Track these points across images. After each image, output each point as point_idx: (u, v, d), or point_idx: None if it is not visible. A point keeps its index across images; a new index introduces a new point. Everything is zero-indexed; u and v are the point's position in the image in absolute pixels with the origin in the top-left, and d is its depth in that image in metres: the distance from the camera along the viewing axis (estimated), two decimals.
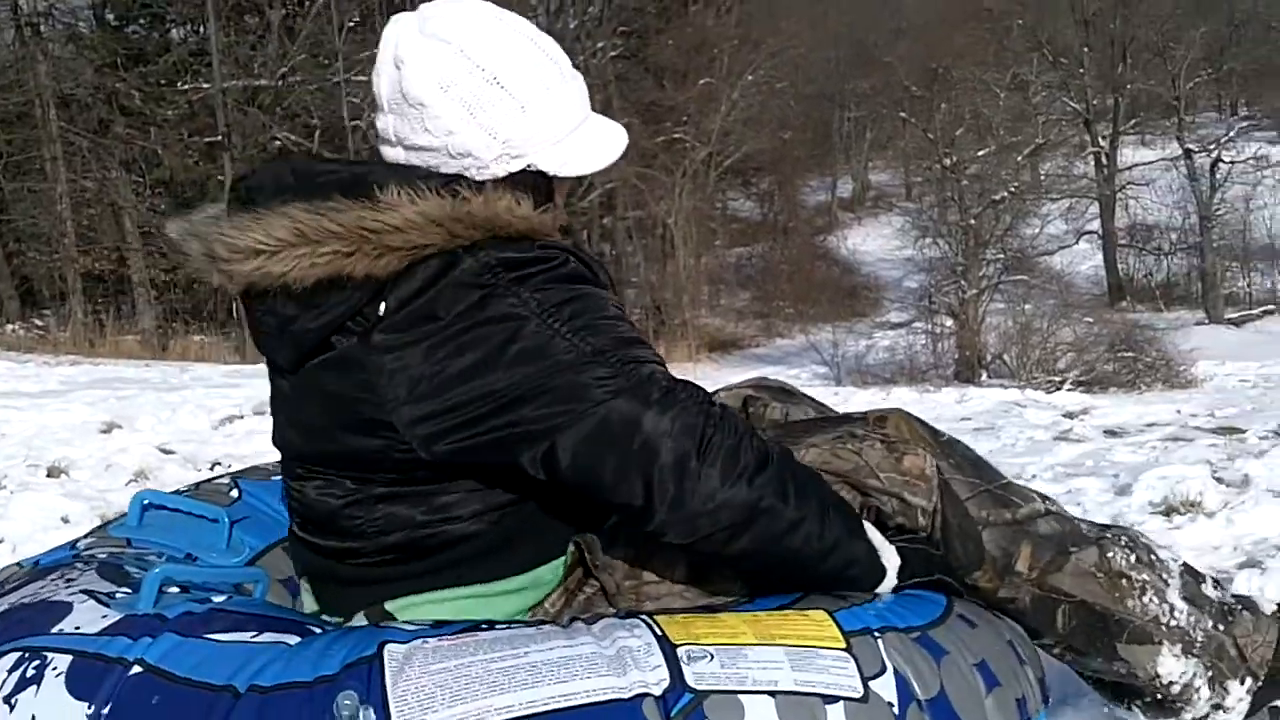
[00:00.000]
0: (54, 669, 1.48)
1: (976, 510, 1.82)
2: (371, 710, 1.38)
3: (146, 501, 1.96)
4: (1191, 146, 30.74)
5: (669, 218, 25.61)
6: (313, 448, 1.70)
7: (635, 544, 1.72)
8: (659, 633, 1.49)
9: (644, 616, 1.54)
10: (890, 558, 1.68)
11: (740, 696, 1.42)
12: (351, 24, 21.53)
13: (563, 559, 1.76)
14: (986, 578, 1.80)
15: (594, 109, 1.80)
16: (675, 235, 25.78)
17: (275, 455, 1.85)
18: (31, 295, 21.24)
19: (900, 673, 1.51)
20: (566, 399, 1.53)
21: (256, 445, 5.61)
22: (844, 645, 1.51)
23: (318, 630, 1.58)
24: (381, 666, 1.43)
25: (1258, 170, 30.46)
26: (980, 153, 27.33)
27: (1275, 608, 1.94)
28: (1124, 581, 1.84)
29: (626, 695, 1.40)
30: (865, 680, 1.48)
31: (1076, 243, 30.21)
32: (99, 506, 4.22)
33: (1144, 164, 31.57)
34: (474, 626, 1.54)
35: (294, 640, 1.53)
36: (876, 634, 1.55)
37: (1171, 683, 1.83)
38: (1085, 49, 31.55)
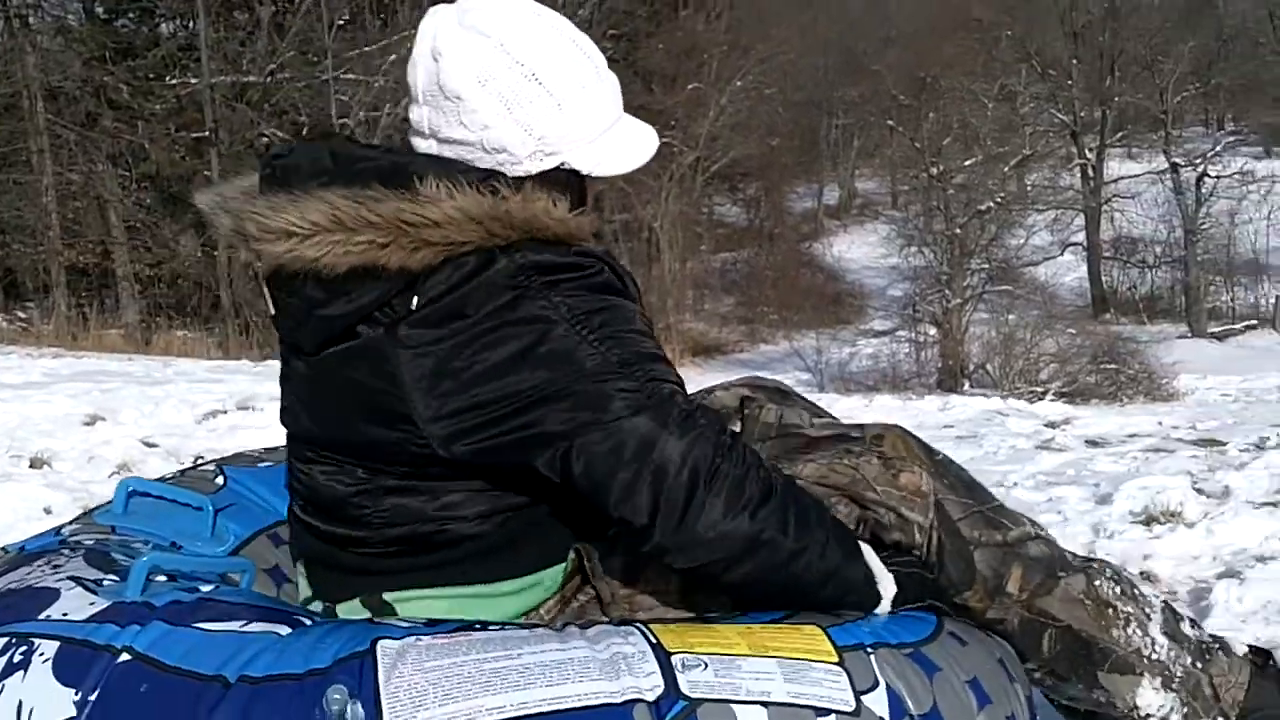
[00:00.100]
0: (41, 655, 1.48)
1: (968, 531, 1.83)
2: (360, 705, 1.38)
3: (131, 489, 1.95)
4: (1178, 160, 30.90)
5: (655, 222, 25.63)
6: (326, 433, 1.69)
7: (633, 554, 1.72)
8: (653, 640, 1.49)
9: (638, 624, 1.55)
10: (887, 586, 1.68)
11: (733, 706, 1.42)
12: (341, 22, 21.51)
13: (563, 565, 1.76)
14: (977, 597, 1.81)
15: None
16: (661, 239, 25.80)
17: (258, 445, 1.84)
18: (15, 287, 21.13)
19: (893, 688, 1.51)
20: (588, 406, 1.53)
21: (240, 440, 5.60)
22: (837, 659, 1.52)
23: (308, 621, 1.58)
24: (374, 662, 1.43)
25: (1243, 185, 30.63)
26: (967, 162, 27.43)
27: (1247, 649, 1.95)
28: (1110, 611, 1.86)
29: (618, 700, 1.40)
30: (858, 694, 1.48)
31: (1061, 254, 30.34)
32: (81, 498, 4.21)
33: (1130, 177, 31.72)
34: (468, 626, 1.54)
35: (285, 631, 1.52)
36: (869, 649, 1.55)
37: (1149, 715, 1.84)
38: (1074, 61, 31.69)
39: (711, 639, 1.51)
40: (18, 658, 1.48)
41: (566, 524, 1.72)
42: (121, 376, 9.83)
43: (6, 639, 1.51)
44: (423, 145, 1.68)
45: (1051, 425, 6.69)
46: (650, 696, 1.41)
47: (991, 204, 26.77)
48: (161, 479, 2.10)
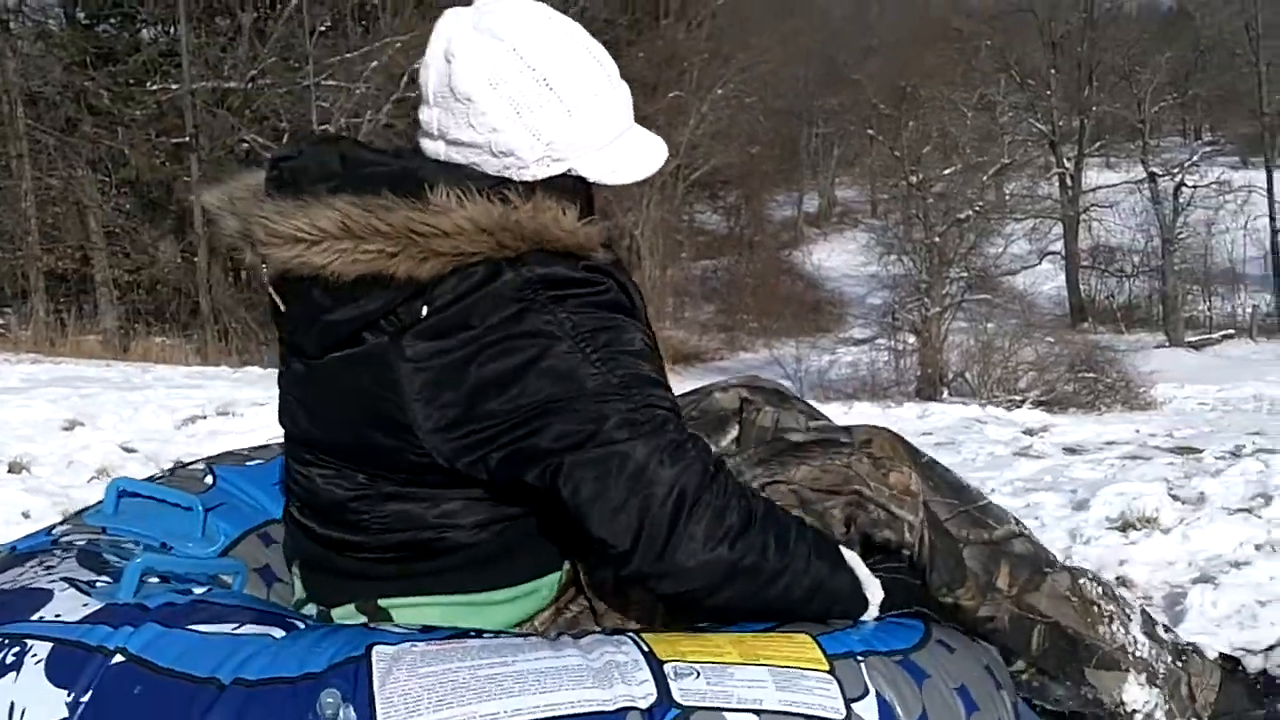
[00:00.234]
0: (34, 656, 1.48)
1: (956, 530, 1.86)
2: (353, 710, 1.39)
3: (121, 489, 1.95)
4: (1155, 170, 31.13)
5: (636, 229, 25.66)
6: (327, 437, 1.69)
7: None
8: (646, 649, 1.50)
9: (631, 633, 1.55)
10: (874, 591, 1.69)
11: (725, 714, 1.43)
12: (323, 28, 21.45)
13: (558, 575, 1.76)
14: (969, 595, 1.85)
15: None
16: (642, 246, 25.83)
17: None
18: None
19: (883, 695, 1.52)
20: (584, 426, 1.53)
21: (219, 445, 5.57)
22: (828, 667, 1.53)
23: (302, 625, 1.58)
24: (369, 667, 1.43)
25: (1220, 195, 30.88)
26: (946, 171, 27.57)
27: (1218, 655, 2.00)
28: (1095, 608, 1.90)
29: (610, 708, 1.41)
30: (848, 702, 1.49)
31: (1039, 263, 30.50)
32: (61, 503, 4.20)
33: (1108, 186, 31.94)
34: (462, 634, 1.55)
35: (279, 634, 1.53)
36: (859, 657, 1.56)
37: (1135, 711, 1.88)
38: (1052, 71, 31.90)
39: (703, 647, 1.52)
40: (10, 659, 1.48)
41: (562, 535, 1.72)
42: (100, 382, 9.78)
43: None
44: (431, 147, 1.67)
45: (1029, 433, 6.74)
46: (643, 704, 1.42)
47: (970, 213, 26.91)
48: (151, 479, 2.10)
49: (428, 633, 1.55)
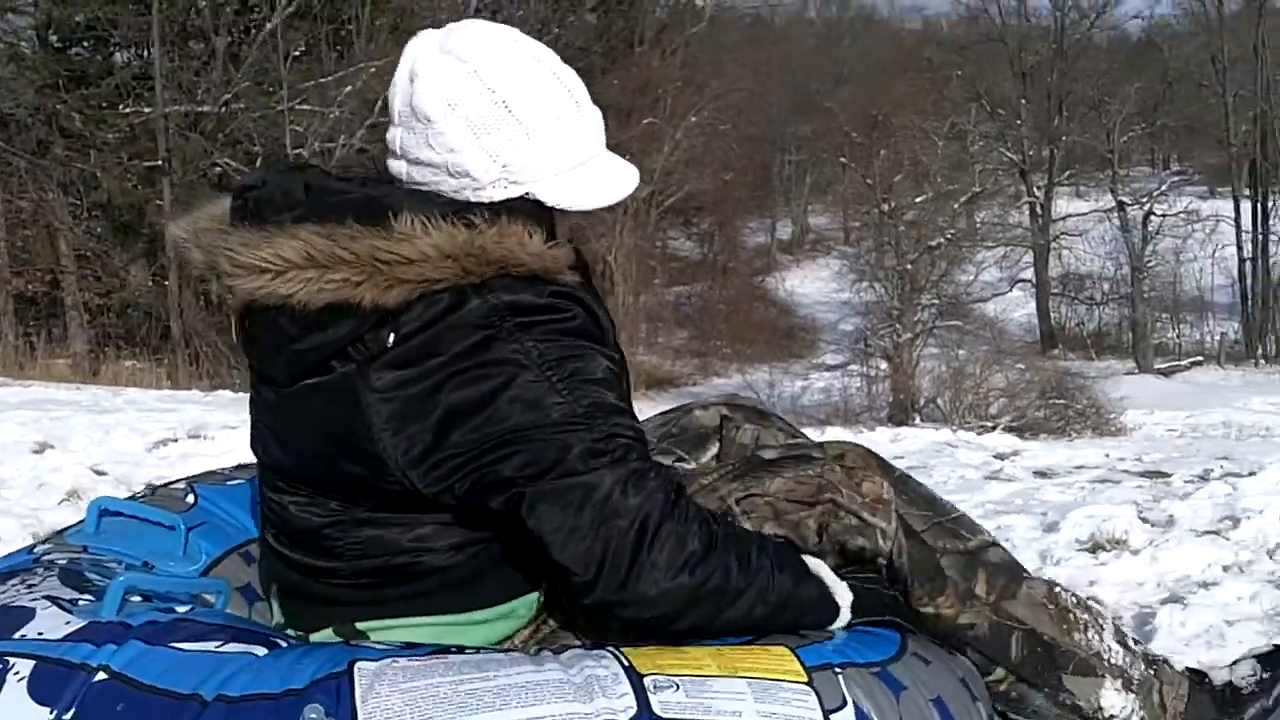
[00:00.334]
0: (16, 674, 1.48)
1: (933, 541, 1.89)
2: None
3: (103, 508, 1.96)
4: (1124, 199, 31.46)
5: (609, 254, 25.70)
6: (298, 466, 1.69)
7: None
8: (626, 663, 1.51)
9: (611, 648, 1.56)
10: (843, 594, 1.71)
11: None
12: (297, 53, 21.43)
13: (536, 595, 1.76)
14: (949, 603, 1.87)
15: None
16: (615, 272, 25.86)
17: None
18: None
19: (860, 707, 1.54)
20: (547, 455, 1.54)
21: (191, 468, 5.54)
22: (806, 679, 1.54)
23: (284, 644, 1.59)
24: (351, 683, 1.44)
25: (1188, 224, 31.22)
26: (918, 199, 27.76)
27: (1186, 669, 2.03)
28: (1070, 616, 1.93)
29: None
30: (826, 713, 1.51)
31: (1010, 290, 30.75)
32: (30, 525, 4.17)
33: (1078, 215, 32.24)
34: (444, 649, 1.56)
35: (261, 652, 1.54)
36: (837, 669, 1.58)
37: (1112, 716, 1.90)
38: (1023, 101, 32.24)
39: (682, 660, 1.54)
40: None
41: (539, 556, 1.70)
42: (70, 405, 9.71)
43: None
44: (396, 166, 1.68)
45: (1000, 457, 6.77)
46: (624, 717, 1.43)
47: (942, 240, 27.12)
48: (132, 498, 2.10)
49: (410, 649, 1.56)
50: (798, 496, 1.81)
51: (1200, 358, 29.53)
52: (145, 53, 21.08)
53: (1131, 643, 1.99)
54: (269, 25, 20.47)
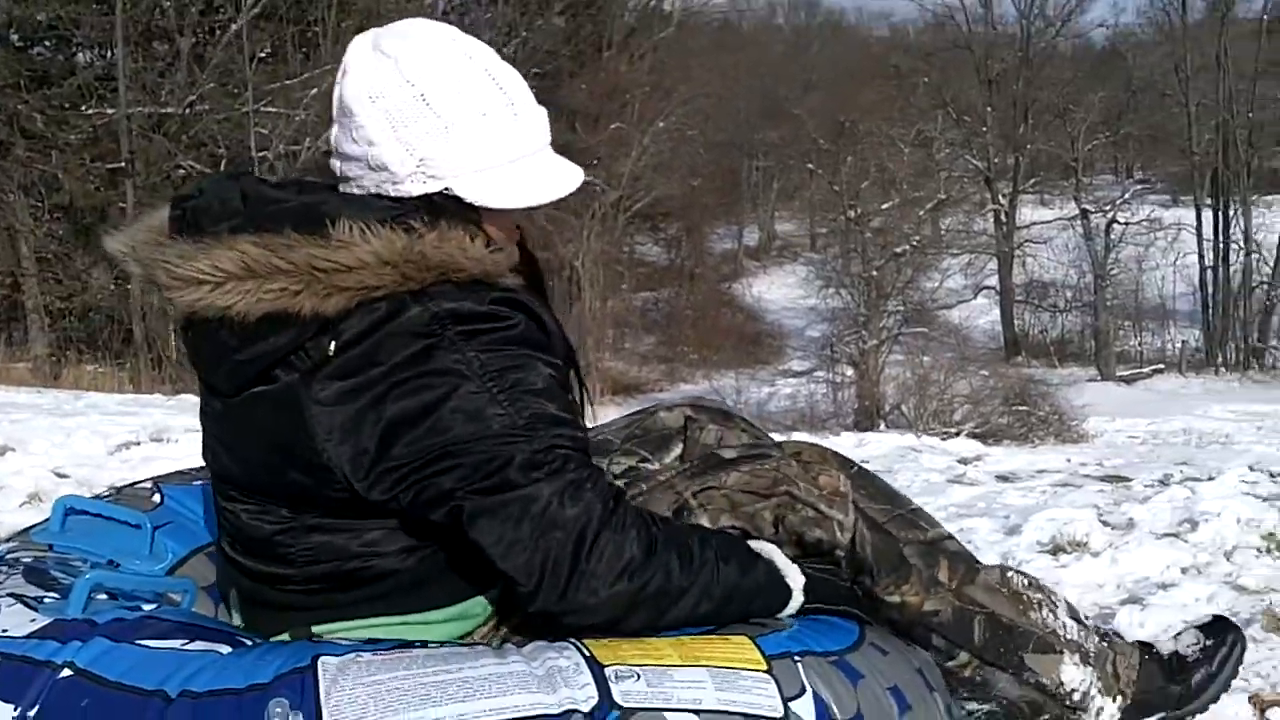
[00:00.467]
0: None
1: (895, 532, 1.93)
2: (301, 716, 1.40)
3: (69, 506, 1.95)
4: (1088, 207, 31.74)
5: (576, 260, 25.72)
6: (246, 475, 1.69)
7: None
8: (587, 654, 1.53)
9: (572, 640, 1.57)
10: (794, 577, 1.73)
11: (666, 714, 1.47)
12: (263, 55, 21.36)
13: (492, 593, 1.75)
14: (914, 591, 1.90)
15: None
16: (582, 277, 25.89)
17: None
18: None
19: (819, 694, 1.56)
20: (486, 467, 1.53)
21: (153, 470, 5.49)
22: (765, 667, 1.56)
23: (249, 642, 1.59)
24: (315, 677, 1.44)
25: (1151, 232, 31.50)
26: (884, 206, 27.95)
27: (1135, 641, 2.10)
28: (1024, 597, 1.98)
29: (556, 711, 1.44)
30: (785, 701, 1.53)
31: (975, 297, 30.95)
32: None
33: (1042, 223, 32.49)
34: (407, 644, 1.57)
35: (226, 649, 1.54)
36: (797, 657, 1.60)
37: (1073, 690, 1.96)
38: (988, 109, 32.47)
39: (643, 651, 1.55)
40: None
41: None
42: (31, 408, 9.64)
43: None
44: (334, 164, 1.68)
45: (963, 461, 6.81)
46: (585, 708, 1.44)
47: (907, 247, 27.30)
48: (98, 497, 2.09)
49: (373, 644, 1.57)
50: (753, 488, 1.83)
51: (1162, 365, 29.82)
52: (108, 53, 20.92)
53: (1083, 617, 2.05)
54: (234, 26, 20.39)
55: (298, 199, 1.62)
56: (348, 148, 1.65)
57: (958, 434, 14.72)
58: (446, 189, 1.64)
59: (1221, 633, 2.09)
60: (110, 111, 19.95)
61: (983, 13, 34.31)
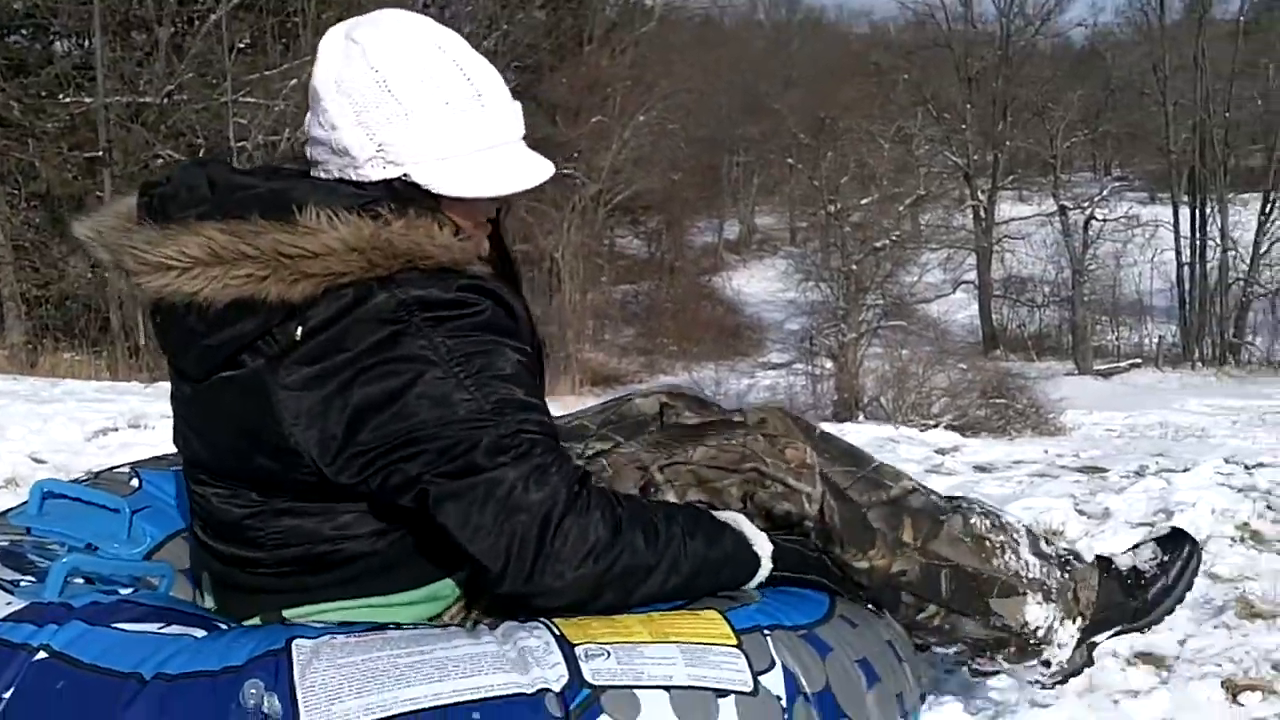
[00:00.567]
0: None
1: (858, 496, 1.94)
2: (276, 697, 1.41)
3: (47, 490, 1.95)
4: (1066, 204, 31.92)
5: (556, 252, 25.71)
6: (215, 459, 1.69)
7: None
8: (557, 633, 1.53)
9: (543, 620, 1.58)
10: (762, 545, 1.74)
11: (636, 691, 1.47)
12: (242, 45, 21.24)
13: (461, 574, 1.75)
14: (880, 555, 1.91)
15: None
16: (562, 270, 25.88)
17: None
18: None
19: (788, 668, 1.58)
20: (452, 452, 1.54)
21: (131, 456, 5.47)
22: (735, 642, 1.57)
23: (224, 626, 1.60)
24: (289, 659, 1.45)
25: (1128, 229, 31.71)
26: (863, 201, 28.02)
27: (1095, 558, 2.13)
28: (986, 543, 1.99)
29: (529, 690, 1.44)
30: (755, 675, 1.54)
31: (953, 292, 31.10)
32: None
33: (1020, 219, 32.66)
34: (380, 626, 1.58)
35: (201, 633, 1.55)
36: (766, 631, 1.61)
37: (1037, 628, 1.99)
38: (968, 106, 32.60)
39: (613, 628, 1.56)
40: None
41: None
42: (8, 395, 9.58)
43: None
44: (308, 150, 1.70)
45: (941, 452, 6.83)
46: (556, 687, 1.45)
47: (887, 242, 27.38)
48: (76, 481, 2.09)
49: (346, 626, 1.57)
50: (720, 463, 1.85)
51: (1139, 360, 30.01)
52: (86, 42, 20.77)
53: (1044, 545, 2.07)
54: (213, 16, 20.25)
55: (265, 185, 1.62)
56: (316, 132, 1.67)
57: (936, 426, 14.78)
58: (405, 175, 1.64)
59: (1178, 545, 2.12)
60: (88, 100, 19.80)
61: (963, 11, 34.48)
